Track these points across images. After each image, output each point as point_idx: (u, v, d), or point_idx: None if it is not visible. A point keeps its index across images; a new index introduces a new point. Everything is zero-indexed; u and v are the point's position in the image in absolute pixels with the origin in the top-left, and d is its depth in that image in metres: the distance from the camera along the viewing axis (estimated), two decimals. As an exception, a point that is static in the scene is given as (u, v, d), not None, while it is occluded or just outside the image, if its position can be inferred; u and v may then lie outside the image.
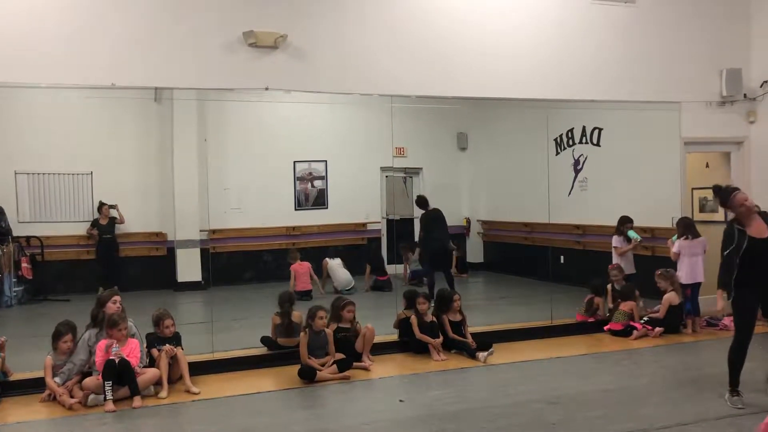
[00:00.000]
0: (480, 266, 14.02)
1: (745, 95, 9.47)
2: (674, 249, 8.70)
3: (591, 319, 8.88)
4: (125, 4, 7.03)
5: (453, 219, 14.04)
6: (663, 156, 9.65)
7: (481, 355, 7.31)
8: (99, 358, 6.14)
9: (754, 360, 6.46)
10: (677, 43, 9.18)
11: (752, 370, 6.12)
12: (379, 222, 13.42)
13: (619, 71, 8.90)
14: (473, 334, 7.88)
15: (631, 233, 9.29)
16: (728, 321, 8.62)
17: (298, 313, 7.55)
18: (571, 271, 11.12)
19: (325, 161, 13.33)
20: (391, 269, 12.27)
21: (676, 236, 8.81)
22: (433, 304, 8.04)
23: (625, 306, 8.55)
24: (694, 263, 8.62)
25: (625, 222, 9.41)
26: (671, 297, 8.49)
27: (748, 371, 5.85)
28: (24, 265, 10.93)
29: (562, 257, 11.63)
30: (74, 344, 6.40)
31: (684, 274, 8.59)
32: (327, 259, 11.75)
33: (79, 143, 11.48)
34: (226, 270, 11.70)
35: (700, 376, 6.69)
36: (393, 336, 7.99)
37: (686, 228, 8.71)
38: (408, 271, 12.21)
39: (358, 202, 13.33)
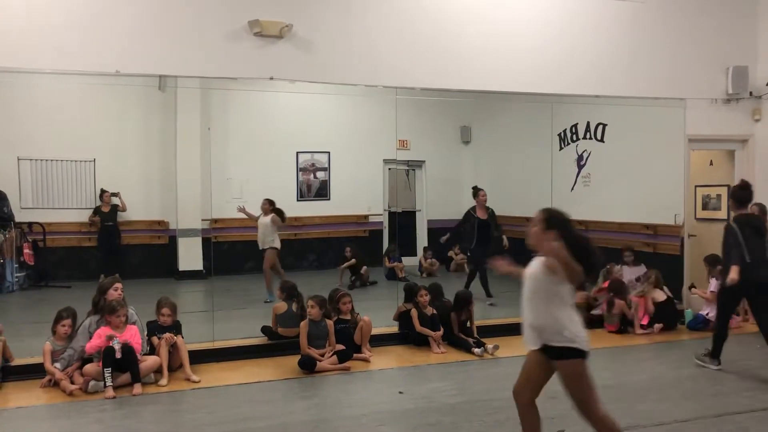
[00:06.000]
0: (481, 260, 14.01)
1: (750, 93, 9.43)
2: (713, 288, 8.36)
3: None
4: (131, -9, 7.01)
5: (455, 213, 14.07)
6: (667, 153, 9.62)
7: (477, 350, 7.33)
8: (93, 342, 6.14)
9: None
10: (684, 39, 9.14)
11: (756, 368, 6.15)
12: (381, 214, 13.41)
13: (624, 67, 8.87)
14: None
15: None
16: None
17: (297, 304, 7.55)
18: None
19: (328, 152, 13.30)
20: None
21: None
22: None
23: (616, 308, 8.53)
24: None
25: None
26: (656, 294, 8.54)
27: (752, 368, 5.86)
28: (26, 251, 10.96)
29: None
30: (73, 330, 6.42)
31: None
32: None
33: (82, 130, 11.48)
34: (228, 259, 11.70)
35: (698, 373, 6.69)
36: (393, 328, 8.00)
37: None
38: None
39: (360, 194, 13.31)
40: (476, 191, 10.37)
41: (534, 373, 4.10)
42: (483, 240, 10.01)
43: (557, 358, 3.95)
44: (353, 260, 11.58)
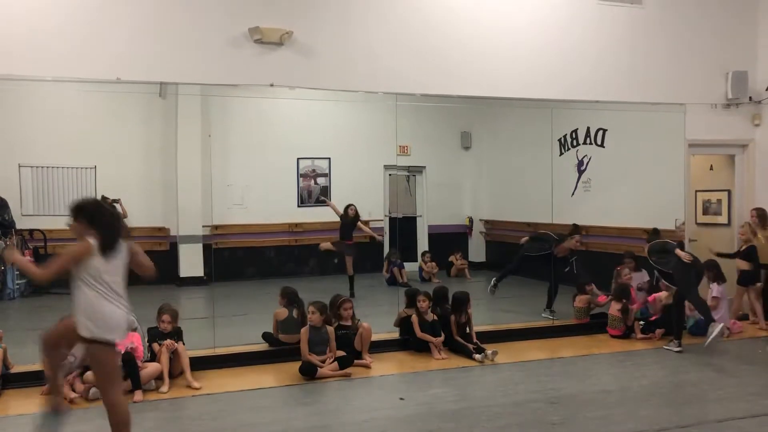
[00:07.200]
0: (482, 266, 14.01)
1: (750, 98, 9.44)
2: (714, 294, 8.41)
3: (586, 320, 8.95)
4: (131, -1, 7.03)
5: (455, 218, 14.12)
6: (667, 158, 9.63)
7: (478, 356, 7.31)
8: None
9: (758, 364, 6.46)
10: (683, 44, 9.15)
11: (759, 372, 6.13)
12: (382, 220, 13.42)
13: (624, 72, 8.88)
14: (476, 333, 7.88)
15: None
16: (730, 324, 8.65)
17: (298, 310, 7.55)
18: (573, 272, 11.09)
19: (329, 158, 13.32)
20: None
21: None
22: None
23: (613, 310, 8.53)
24: (727, 307, 8.59)
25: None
26: (662, 295, 8.53)
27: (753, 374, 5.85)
28: (27, 258, 10.95)
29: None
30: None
31: (720, 317, 8.34)
32: None
33: (83, 137, 11.48)
34: (229, 266, 11.70)
35: (700, 378, 6.69)
36: (394, 334, 7.99)
37: (718, 273, 8.52)
38: None
39: (361, 199, 13.29)
40: (574, 232, 9.63)
41: (72, 336, 4.39)
42: (540, 262, 9.57)
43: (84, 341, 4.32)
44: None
